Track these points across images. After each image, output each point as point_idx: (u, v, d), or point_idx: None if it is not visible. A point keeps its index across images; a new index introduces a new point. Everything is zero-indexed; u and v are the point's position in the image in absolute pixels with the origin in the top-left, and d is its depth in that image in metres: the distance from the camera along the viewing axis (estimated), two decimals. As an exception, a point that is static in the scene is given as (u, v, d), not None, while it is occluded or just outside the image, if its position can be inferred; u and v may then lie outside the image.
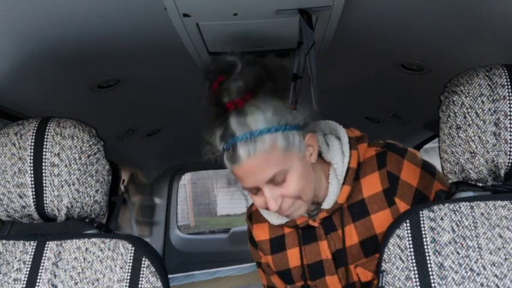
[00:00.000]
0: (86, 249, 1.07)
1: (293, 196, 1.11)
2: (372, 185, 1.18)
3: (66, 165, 1.06)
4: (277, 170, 1.07)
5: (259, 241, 1.34)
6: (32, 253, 1.08)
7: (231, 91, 1.04)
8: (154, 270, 1.05)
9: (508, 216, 0.97)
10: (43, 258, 1.07)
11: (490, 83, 0.98)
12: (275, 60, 1.13)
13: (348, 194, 1.18)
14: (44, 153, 1.06)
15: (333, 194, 1.18)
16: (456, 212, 0.99)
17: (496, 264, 0.95)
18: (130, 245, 1.07)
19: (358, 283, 1.22)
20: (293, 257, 1.28)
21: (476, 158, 0.98)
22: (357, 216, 1.19)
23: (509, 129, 0.97)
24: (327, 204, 1.19)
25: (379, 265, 1.01)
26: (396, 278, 0.98)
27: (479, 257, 0.96)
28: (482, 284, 0.94)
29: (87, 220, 1.12)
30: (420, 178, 1.17)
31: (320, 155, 1.21)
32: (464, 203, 1.00)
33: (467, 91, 0.99)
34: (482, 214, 0.98)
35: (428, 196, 1.16)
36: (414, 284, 0.97)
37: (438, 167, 1.12)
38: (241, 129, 1.04)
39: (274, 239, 1.31)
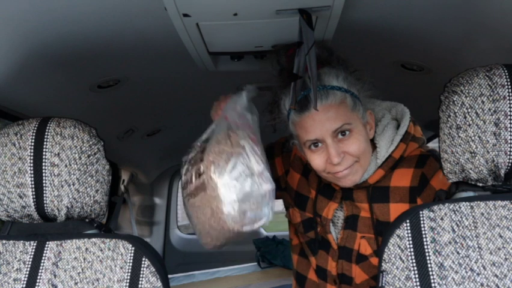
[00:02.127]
0: (86, 249, 1.07)
1: (354, 155, 1.19)
2: (402, 178, 1.23)
3: (66, 165, 1.06)
4: (344, 122, 1.16)
5: (294, 159, 1.44)
6: (32, 253, 1.08)
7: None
8: (154, 270, 1.05)
9: (508, 216, 0.97)
10: (43, 258, 1.07)
11: (490, 83, 0.98)
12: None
13: (379, 178, 1.24)
14: (44, 153, 1.06)
15: (367, 173, 1.24)
16: (456, 212, 0.99)
17: (496, 264, 0.95)
18: (130, 245, 1.07)
19: (356, 252, 1.27)
20: (312, 191, 1.37)
21: (476, 158, 0.98)
22: (376, 199, 1.25)
23: (509, 129, 0.97)
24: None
25: (379, 265, 1.01)
26: (396, 278, 0.98)
27: (479, 257, 0.96)
28: (482, 284, 0.94)
29: (87, 220, 1.12)
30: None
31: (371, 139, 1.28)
32: (464, 203, 1.00)
33: (467, 91, 0.99)
34: (482, 214, 0.98)
35: None
36: (414, 284, 0.97)
37: (439, 167, 1.12)
38: (316, 83, 1.12)
39: (303, 174, 1.41)
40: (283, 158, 1.48)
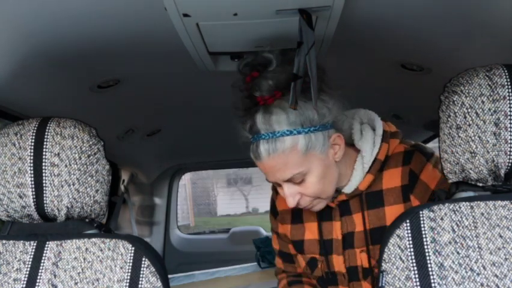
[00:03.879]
0: (86, 249, 1.07)
1: (311, 196, 1.17)
2: (392, 178, 1.22)
3: (66, 165, 1.06)
4: (295, 172, 1.11)
5: (281, 210, 1.40)
6: (32, 253, 1.08)
7: (261, 87, 1.08)
8: (154, 270, 1.05)
9: (508, 216, 0.97)
10: (43, 258, 1.07)
11: (490, 83, 0.98)
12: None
13: (370, 183, 1.22)
14: (44, 153, 1.06)
15: (356, 180, 1.22)
16: (456, 212, 0.99)
17: (496, 264, 0.95)
18: (130, 245, 1.07)
19: (360, 267, 1.26)
20: (309, 230, 1.33)
21: (476, 158, 0.98)
22: (372, 205, 1.23)
23: (509, 129, 0.97)
24: (348, 189, 1.23)
25: (379, 265, 1.01)
26: (396, 278, 0.98)
27: (479, 257, 0.96)
28: (482, 284, 0.94)
29: (87, 220, 1.12)
30: (438, 182, 1.19)
31: (351, 144, 1.26)
32: (464, 203, 1.00)
33: (467, 91, 0.99)
34: (482, 214, 0.98)
35: None
36: (414, 284, 0.97)
37: (438, 167, 1.12)
38: (265, 128, 1.09)
39: (295, 210, 1.35)
40: (272, 215, 1.48)
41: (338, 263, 1.29)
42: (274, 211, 1.44)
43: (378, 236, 1.22)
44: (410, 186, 1.20)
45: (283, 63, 1.09)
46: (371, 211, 1.23)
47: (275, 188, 1.42)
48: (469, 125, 0.98)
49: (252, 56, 1.11)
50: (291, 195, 1.15)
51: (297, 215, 1.37)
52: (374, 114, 1.29)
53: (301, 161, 1.11)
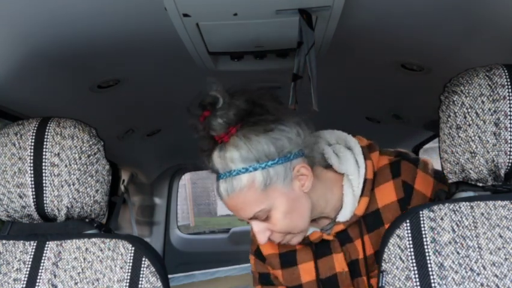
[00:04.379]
0: (86, 249, 1.07)
1: (281, 232, 1.10)
2: (386, 194, 1.16)
3: (66, 165, 1.06)
4: (257, 210, 1.06)
5: (267, 255, 1.30)
6: (32, 253, 1.08)
7: (214, 128, 1.04)
8: (154, 270, 1.05)
9: (508, 216, 0.97)
10: (43, 258, 1.07)
11: (490, 83, 0.98)
12: (264, 90, 1.10)
13: (366, 206, 1.15)
14: (44, 153, 1.06)
15: (350, 206, 1.15)
16: (456, 212, 0.99)
17: (496, 264, 0.95)
18: (130, 245, 1.07)
19: None
20: (306, 272, 1.24)
21: (476, 158, 0.98)
22: (372, 227, 1.16)
23: (509, 129, 0.97)
24: (342, 217, 1.16)
25: (379, 265, 1.01)
26: (396, 278, 0.98)
27: (479, 257, 0.96)
28: (482, 284, 0.94)
29: (87, 220, 1.12)
30: (433, 188, 1.15)
31: (330, 166, 1.18)
32: (464, 203, 1.00)
33: (467, 91, 0.99)
34: (482, 214, 0.98)
35: None
36: (414, 284, 0.97)
37: (438, 167, 1.12)
38: (222, 167, 1.05)
39: (284, 253, 1.27)
40: (258, 260, 1.35)
41: None
42: (260, 256, 1.32)
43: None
44: (407, 199, 1.15)
45: (231, 97, 1.05)
46: (372, 233, 1.16)
47: None
48: (469, 125, 0.98)
49: (198, 97, 1.06)
50: (260, 233, 1.09)
51: (288, 257, 1.26)
52: (343, 133, 1.22)
53: (262, 198, 1.05)
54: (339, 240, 1.19)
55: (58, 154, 1.07)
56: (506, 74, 0.98)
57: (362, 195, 1.14)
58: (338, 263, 1.20)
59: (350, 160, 1.16)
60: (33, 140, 1.07)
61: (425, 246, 0.98)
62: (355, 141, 1.19)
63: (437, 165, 1.15)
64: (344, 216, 1.16)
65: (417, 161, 1.19)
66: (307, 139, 1.09)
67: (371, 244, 1.17)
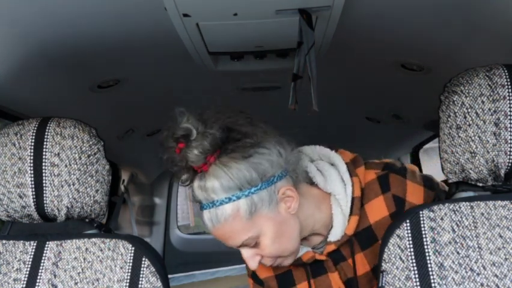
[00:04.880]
0: (86, 249, 1.07)
1: (271, 256, 1.08)
2: (377, 210, 1.13)
3: (66, 165, 1.06)
4: (244, 238, 1.03)
5: (264, 278, 1.27)
6: (32, 253, 1.08)
7: (192, 159, 1.00)
8: (154, 270, 1.05)
9: (508, 216, 0.97)
10: (43, 258, 1.07)
11: (490, 83, 0.98)
12: (239, 115, 1.05)
13: (356, 225, 1.12)
14: (44, 153, 1.06)
15: (340, 225, 1.12)
16: (456, 212, 0.99)
17: (496, 264, 0.95)
18: (130, 245, 1.07)
19: None
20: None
21: (476, 158, 0.98)
22: (366, 244, 1.14)
23: (509, 129, 0.97)
24: (333, 237, 1.13)
25: (379, 265, 1.01)
26: (396, 278, 0.98)
27: (479, 257, 0.96)
28: (482, 284, 0.94)
29: (87, 220, 1.12)
30: (424, 197, 1.13)
31: (314, 183, 1.16)
32: (464, 203, 1.00)
33: (467, 91, 0.99)
34: (482, 214, 0.98)
35: None
36: (414, 284, 0.96)
37: (439, 167, 1.12)
38: (205, 198, 1.02)
39: (280, 275, 1.24)
40: (256, 284, 1.32)
41: None
42: (257, 280, 1.30)
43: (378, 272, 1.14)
44: (399, 212, 1.11)
45: (203, 127, 1.01)
46: (367, 251, 1.14)
47: None
48: (469, 125, 0.98)
49: (171, 130, 1.03)
50: (251, 259, 1.07)
51: (285, 278, 1.23)
52: (325, 149, 1.18)
53: (249, 226, 1.02)
54: (332, 259, 1.16)
55: (58, 154, 1.07)
56: (506, 74, 0.98)
57: (351, 214, 1.11)
58: (334, 281, 1.18)
59: (336, 178, 1.13)
60: (33, 140, 1.07)
61: (425, 246, 0.98)
62: (339, 158, 1.15)
63: (437, 165, 1.15)
64: (335, 235, 1.13)
65: (405, 170, 1.15)
66: (289, 157, 1.07)
67: (367, 262, 1.15)
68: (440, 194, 1.09)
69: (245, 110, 1.06)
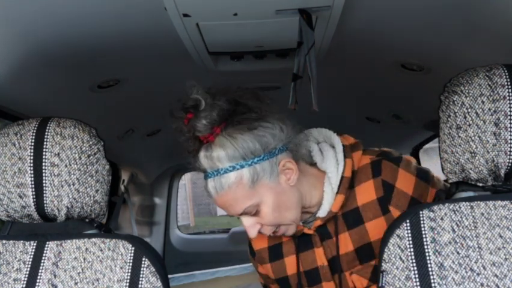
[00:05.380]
0: (86, 249, 1.07)
1: (271, 225, 1.14)
2: (366, 193, 1.18)
3: (66, 165, 1.06)
4: (246, 205, 1.09)
5: (257, 250, 1.34)
6: (32, 253, 1.08)
7: (199, 129, 1.07)
8: (154, 270, 1.05)
9: (508, 216, 0.97)
10: (43, 258, 1.07)
11: (490, 83, 0.98)
12: (245, 90, 1.12)
13: (342, 203, 1.17)
14: (44, 153, 1.06)
15: (328, 202, 1.18)
16: (456, 212, 0.99)
17: (496, 264, 0.95)
18: (130, 245, 1.07)
19: None
20: (290, 264, 1.28)
21: (476, 158, 0.98)
22: (352, 224, 1.19)
23: (509, 129, 0.97)
24: (321, 213, 1.19)
25: (379, 265, 1.01)
26: (396, 278, 0.98)
27: (479, 257, 0.96)
28: (482, 284, 0.94)
29: (87, 220, 1.12)
30: (415, 186, 1.17)
31: (314, 163, 1.22)
32: (464, 203, 1.00)
33: (467, 91, 0.99)
34: (482, 214, 0.98)
35: (423, 203, 1.16)
36: (414, 284, 0.97)
37: (439, 167, 1.12)
38: (209, 166, 1.09)
39: (272, 246, 1.31)
40: (251, 256, 1.40)
41: None
42: (252, 253, 1.38)
43: (365, 255, 1.19)
44: (387, 197, 1.16)
45: (213, 98, 1.08)
46: (352, 231, 1.19)
47: None
48: (469, 125, 0.98)
49: (180, 101, 1.10)
50: (251, 227, 1.13)
51: (276, 250, 1.31)
52: (329, 131, 1.24)
53: (251, 194, 1.09)
54: (319, 235, 1.22)
55: (58, 154, 1.07)
56: (506, 74, 0.98)
57: (338, 192, 1.17)
58: (319, 257, 1.23)
59: (331, 158, 1.19)
60: (33, 140, 1.07)
61: (425, 246, 0.98)
62: (338, 140, 1.21)
63: (437, 165, 1.15)
64: (323, 212, 1.19)
65: (400, 159, 1.20)
66: (290, 133, 1.13)
67: (352, 241, 1.19)
68: (440, 193, 1.09)
69: (251, 87, 1.12)
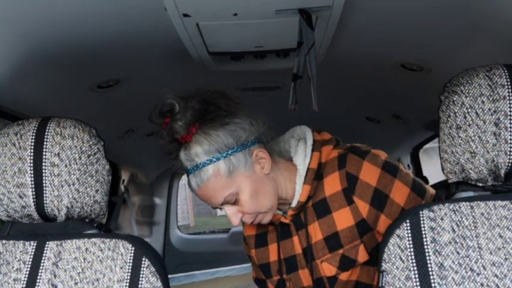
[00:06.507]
0: (86, 249, 1.07)
1: (250, 213, 1.22)
2: (332, 184, 1.25)
3: (66, 165, 1.06)
4: (225, 194, 1.19)
5: (246, 236, 1.46)
6: (32, 253, 1.08)
7: (176, 130, 1.17)
8: (154, 270, 1.05)
9: (508, 216, 0.97)
10: (43, 258, 1.07)
11: (490, 83, 0.98)
12: (214, 91, 1.22)
13: (309, 193, 1.26)
14: (44, 153, 1.06)
15: (298, 193, 1.27)
16: (456, 212, 0.99)
17: (496, 264, 0.95)
18: (130, 245, 1.07)
19: (325, 278, 1.29)
20: (272, 251, 1.37)
21: (476, 158, 0.98)
22: (321, 214, 1.26)
23: (509, 129, 0.97)
24: (294, 203, 1.28)
25: (379, 265, 1.01)
26: (396, 278, 0.98)
27: (479, 257, 0.96)
28: (482, 284, 0.94)
29: (87, 220, 1.12)
30: (379, 178, 1.22)
31: (291, 159, 1.31)
32: (464, 203, 1.00)
33: (467, 91, 0.99)
34: (482, 214, 0.98)
35: (387, 194, 1.22)
36: (414, 284, 0.97)
37: (439, 167, 1.12)
38: (189, 163, 1.19)
39: (259, 234, 1.42)
40: (244, 241, 1.51)
41: (305, 277, 1.32)
42: (244, 238, 1.49)
43: (334, 243, 1.25)
44: (351, 188, 1.23)
45: (186, 101, 1.17)
46: (321, 220, 1.26)
47: None
48: (469, 125, 0.98)
49: (157, 107, 1.20)
50: (233, 215, 1.22)
51: (261, 238, 1.41)
52: (306, 128, 1.33)
53: (229, 184, 1.18)
54: (294, 224, 1.31)
55: (58, 154, 1.07)
56: (506, 74, 0.98)
57: (304, 183, 1.25)
58: (295, 245, 1.31)
59: (301, 152, 1.30)
60: (33, 140, 1.07)
61: (425, 246, 0.98)
62: (310, 135, 1.30)
63: (437, 165, 1.15)
64: (295, 202, 1.28)
65: (366, 153, 1.26)
66: (261, 128, 1.23)
67: (320, 230, 1.27)
68: (440, 193, 1.10)
69: (221, 88, 1.23)
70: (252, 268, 1.53)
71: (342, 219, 1.24)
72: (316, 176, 1.25)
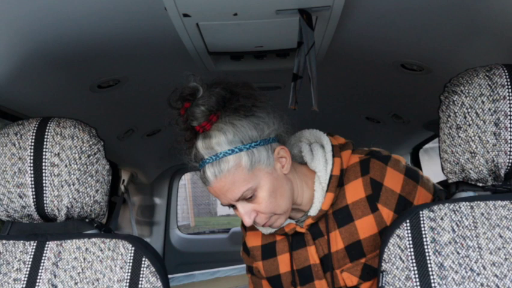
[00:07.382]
0: (86, 249, 1.07)
1: (266, 212, 1.15)
2: (355, 191, 1.20)
3: (66, 165, 1.06)
4: (244, 188, 1.11)
5: (251, 247, 1.36)
6: (32, 253, 1.08)
7: (196, 116, 1.09)
8: (154, 270, 1.05)
9: (508, 216, 0.97)
10: (43, 258, 1.07)
11: (490, 83, 0.98)
12: (239, 81, 1.16)
13: (332, 201, 1.20)
14: (44, 153, 1.06)
15: (319, 201, 1.20)
16: (456, 212, 0.99)
17: (496, 264, 0.95)
18: (130, 245, 1.07)
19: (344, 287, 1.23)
20: (283, 262, 1.30)
21: (476, 158, 0.98)
22: (342, 222, 1.21)
23: (509, 129, 0.97)
24: (313, 211, 1.21)
25: (379, 265, 1.01)
26: (396, 278, 0.98)
27: (479, 257, 0.96)
28: (482, 284, 0.94)
29: (87, 220, 1.12)
30: (403, 184, 1.18)
31: (305, 163, 1.25)
32: (464, 203, 1.00)
33: (467, 91, 0.99)
34: (482, 214, 0.98)
35: (411, 201, 1.18)
36: (414, 284, 0.97)
37: (439, 167, 1.12)
38: (208, 152, 1.10)
39: (265, 245, 1.33)
40: (244, 253, 1.42)
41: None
42: (246, 249, 1.40)
43: (356, 252, 1.20)
44: (375, 195, 1.18)
45: (209, 87, 1.11)
46: (342, 229, 1.21)
47: (244, 226, 1.38)
48: (469, 125, 0.98)
49: (178, 90, 1.12)
50: (246, 214, 1.14)
51: (269, 249, 1.32)
52: (320, 132, 1.27)
53: (249, 177, 1.11)
54: (311, 233, 1.24)
55: (58, 154, 1.07)
56: (506, 74, 0.98)
57: (327, 190, 1.19)
58: (311, 255, 1.25)
59: (320, 158, 1.22)
60: (33, 140, 1.07)
61: (425, 246, 0.98)
62: (327, 140, 1.24)
63: (437, 165, 1.15)
64: (315, 210, 1.21)
65: (388, 158, 1.22)
66: (281, 125, 1.17)
67: (342, 239, 1.21)
68: (440, 193, 1.09)
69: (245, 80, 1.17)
70: (251, 280, 1.44)
71: (366, 227, 1.18)
72: (338, 183, 1.20)
